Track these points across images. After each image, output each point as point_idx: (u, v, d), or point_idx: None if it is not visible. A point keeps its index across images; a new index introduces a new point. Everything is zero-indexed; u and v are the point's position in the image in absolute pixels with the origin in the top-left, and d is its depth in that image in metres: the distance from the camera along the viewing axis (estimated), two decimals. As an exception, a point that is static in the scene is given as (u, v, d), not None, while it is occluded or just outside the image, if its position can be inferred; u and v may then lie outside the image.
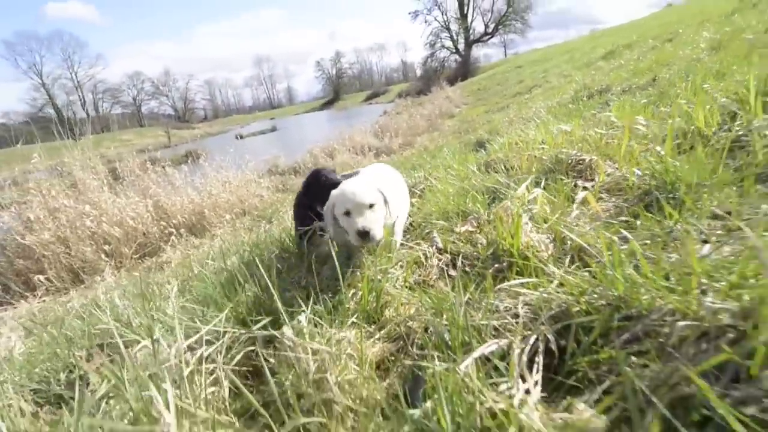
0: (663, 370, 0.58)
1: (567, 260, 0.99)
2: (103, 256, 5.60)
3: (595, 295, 0.76)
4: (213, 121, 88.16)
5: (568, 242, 1.03)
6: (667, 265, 0.77)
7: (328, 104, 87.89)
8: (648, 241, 0.94)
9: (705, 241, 0.86)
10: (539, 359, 0.69)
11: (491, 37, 60.07)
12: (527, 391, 0.62)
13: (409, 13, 59.52)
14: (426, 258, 1.32)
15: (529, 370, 0.67)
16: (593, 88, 6.33)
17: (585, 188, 1.52)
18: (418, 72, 71.47)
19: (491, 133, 5.61)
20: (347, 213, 1.49)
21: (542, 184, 1.48)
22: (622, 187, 1.44)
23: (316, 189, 1.99)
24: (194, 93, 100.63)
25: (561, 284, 0.87)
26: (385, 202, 1.53)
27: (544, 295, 0.82)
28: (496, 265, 1.08)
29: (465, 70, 50.51)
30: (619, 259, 0.77)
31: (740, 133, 1.56)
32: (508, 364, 0.68)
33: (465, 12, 58.09)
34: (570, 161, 1.79)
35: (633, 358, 0.65)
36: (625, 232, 0.90)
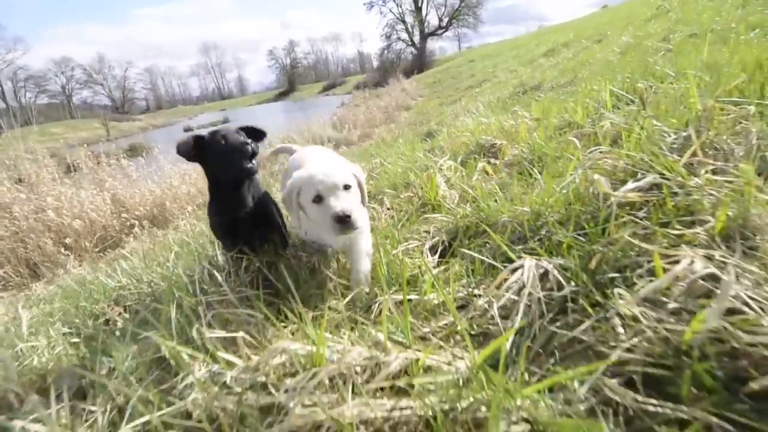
0: (495, 243, 1.14)
1: (467, 205, 1.56)
2: (62, 249, 5.57)
3: (473, 217, 1.32)
4: (156, 112, 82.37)
5: (468, 194, 1.59)
6: (515, 199, 1.34)
7: (283, 95, 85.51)
8: (515, 191, 1.51)
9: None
10: (438, 249, 1.24)
11: (445, 31, 61.71)
12: (430, 262, 1.15)
13: (364, 4, 59.45)
14: (377, 213, 1.83)
15: (432, 254, 1.21)
16: (528, 84, 7.20)
17: (492, 163, 2.11)
18: (375, 63, 71.63)
19: (439, 125, 6.26)
20: (317, 198, 1.25)
21: (459, 160, 2.06)
22: (515, 161, 2.04)
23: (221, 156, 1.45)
24: (134, 82, 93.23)
25: (460, 216, 1.43)
26: (359, 184, 1.37)
27: (444, 219, 1.37)
28: (421, 210, 1.63)
29: (421, 62, 51.60)
30: (486, 195, 1.34)
31: (599, 123, 2.23)
32: (421, 252, 1.21)
33: (419, 5, 59.08)
34: (486, 145, 2.39)
35: (487, 243, 1.20)
36: (496, 186, 1.48)
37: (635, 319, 0.70)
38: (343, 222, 1.17)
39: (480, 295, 0.97)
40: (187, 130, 37.30)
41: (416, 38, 59.37)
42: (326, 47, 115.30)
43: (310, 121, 14.20)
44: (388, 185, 2.26)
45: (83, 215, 5.85)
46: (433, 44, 63.17)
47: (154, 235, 6.29)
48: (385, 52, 59.38)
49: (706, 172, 0.92)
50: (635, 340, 0.64)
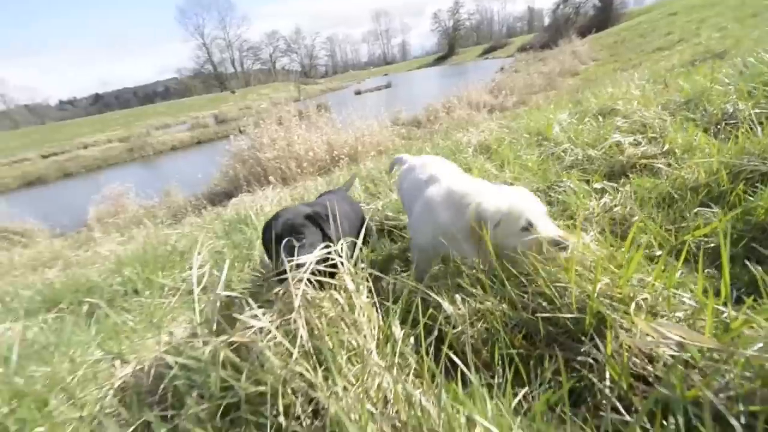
0: (573, 150, 2.42)
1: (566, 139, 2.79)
2: (299, 171, 8.67)
3: (566, 144, 2.58)
4: (332, 76, 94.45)
5: (568, 134, 2.79)
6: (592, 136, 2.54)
7: (441, 59, 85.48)
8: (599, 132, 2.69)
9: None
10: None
11: (646, -26, 50.00)
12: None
13: (544, -48, 52.36)
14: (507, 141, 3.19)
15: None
16: (713, 51, 6.65)
17: (600, 120, 3.16)
18: (546, 21, 64.05)
19: (593, 94, 6.67)
20: (526, 227, 1.23)
21: (576, 116, 3.18)
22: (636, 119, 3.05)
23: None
24: (318, 50, 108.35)
25: (558, 143, 2.70)
26: None
27: (549, 144, 2.68)
28: (542, 141, 2.93)
29: (604, 17, 43.90)
30: (577, 133, 2.57)
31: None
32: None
33: (615, -56, 48.88)
34: (606, 108, 3.39)
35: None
36: (583, 130, 2.66)
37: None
38: (564, 249, 1.17)
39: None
40: (357, 93, 42.37)
41: (604, -14, 50.02)
42: (493, 5, 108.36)
43: (467, 87, 14.94)
44: (526, 132, 3.55)
45: (311, 149, 8.81)
46: (626, -8, 52.24)
47: (350, 168, 8.92)
48: (561, 5, 52.01)
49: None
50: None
